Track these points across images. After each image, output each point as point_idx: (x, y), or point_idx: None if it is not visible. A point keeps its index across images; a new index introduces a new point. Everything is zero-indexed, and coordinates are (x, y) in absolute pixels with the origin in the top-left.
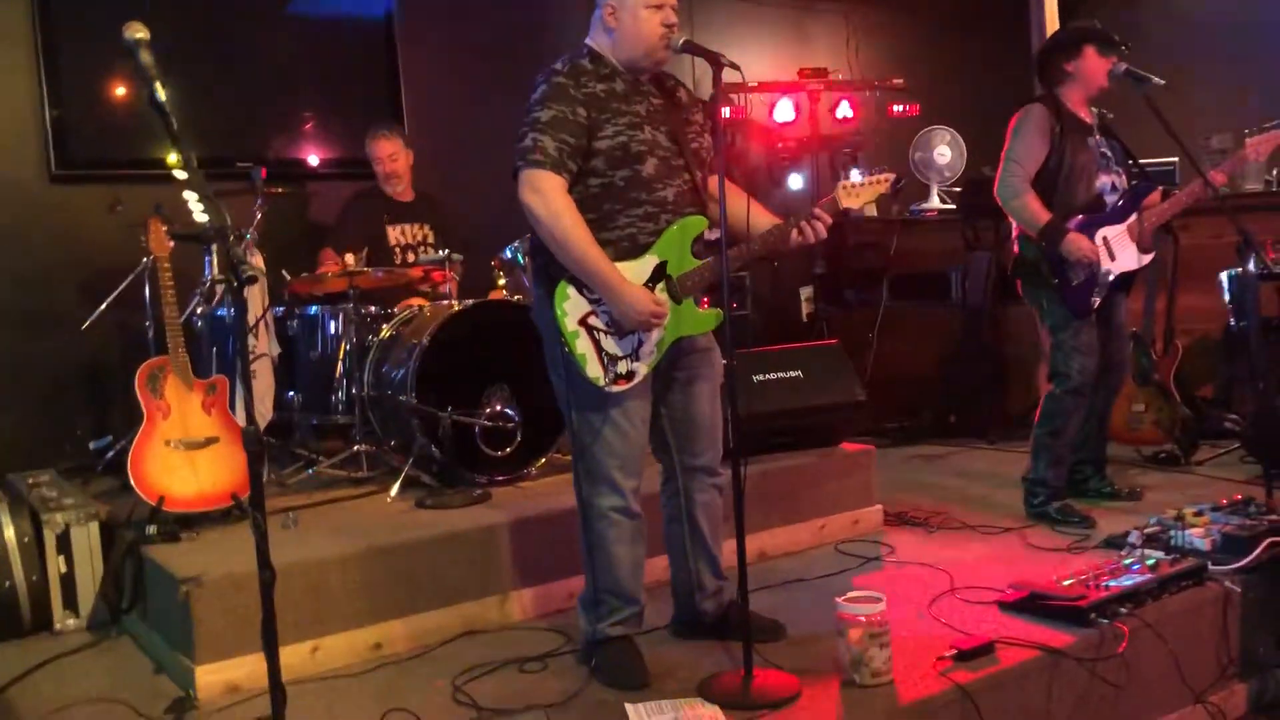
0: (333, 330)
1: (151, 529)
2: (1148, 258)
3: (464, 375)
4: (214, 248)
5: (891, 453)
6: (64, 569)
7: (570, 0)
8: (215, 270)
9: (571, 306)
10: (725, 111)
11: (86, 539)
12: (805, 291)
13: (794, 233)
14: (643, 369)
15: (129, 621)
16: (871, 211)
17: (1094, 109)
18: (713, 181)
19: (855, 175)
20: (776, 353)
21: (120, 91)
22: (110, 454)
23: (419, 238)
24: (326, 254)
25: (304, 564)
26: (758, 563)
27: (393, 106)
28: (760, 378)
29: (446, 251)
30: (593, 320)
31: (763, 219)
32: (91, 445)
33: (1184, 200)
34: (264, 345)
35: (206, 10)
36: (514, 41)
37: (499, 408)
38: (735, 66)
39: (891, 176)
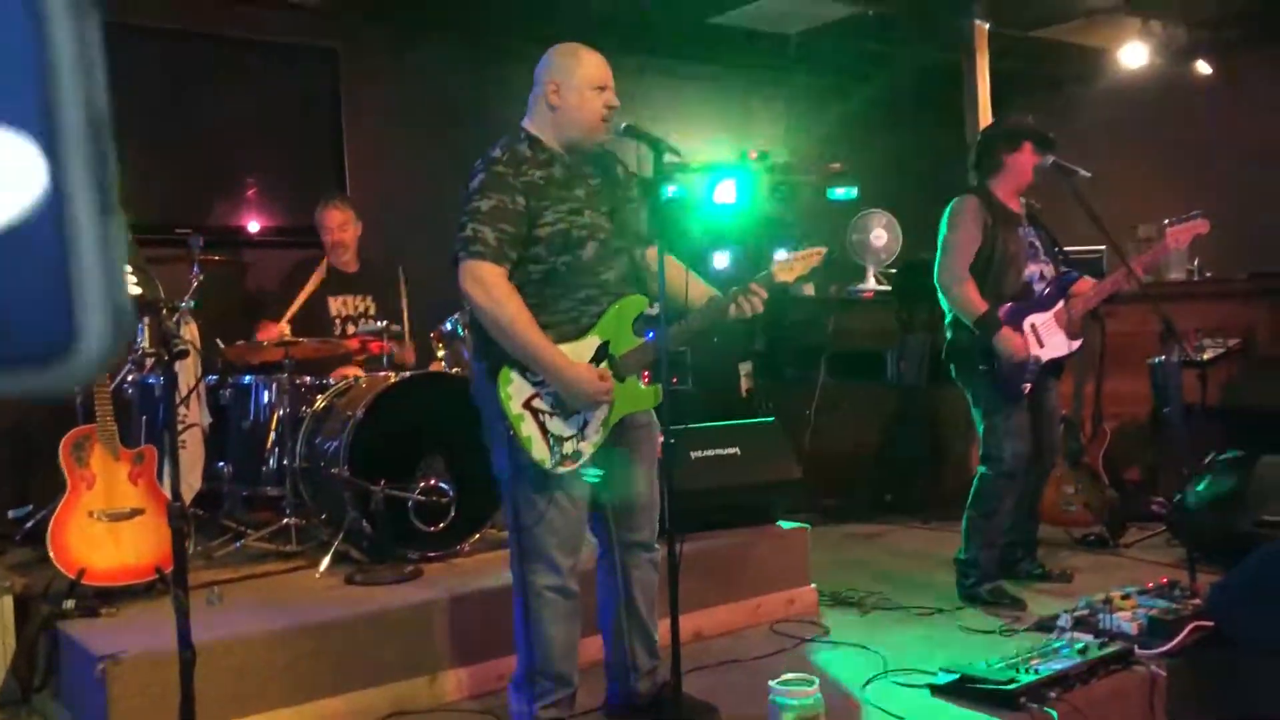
0: (266, 400)
1: (69, 603)
2: (1076, 344)
3: (398, 448)
4: (145, 318)
5: (827, 530)
6: None
7: (513, 73)
8: (147, 339)
9: (515, 390)
10: (665, 191)
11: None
12: (744, 367)
13: (731, 307)
14: (588, 448)
15: (40, 700)
16: (810, 291)
17: (1022, 199)
18: (651, 254)
19: (783, 253)
20: (715, 429)
21: None
22: (29, 524)
23: (360, 309)
24: (264, 324)
25: (228, 642)
26: (693, 642)
27: (337, 175)
28: (699, 454)
29: (385, 323)
30: (537, 403)
31: (700, 291)
32: (10, 514)
33: (1108, 288)
34: (195, 415)
35: (151, 74)
36: (459, 112)
37: (433, 481)
38: (676, 152)
39: (823, 250)
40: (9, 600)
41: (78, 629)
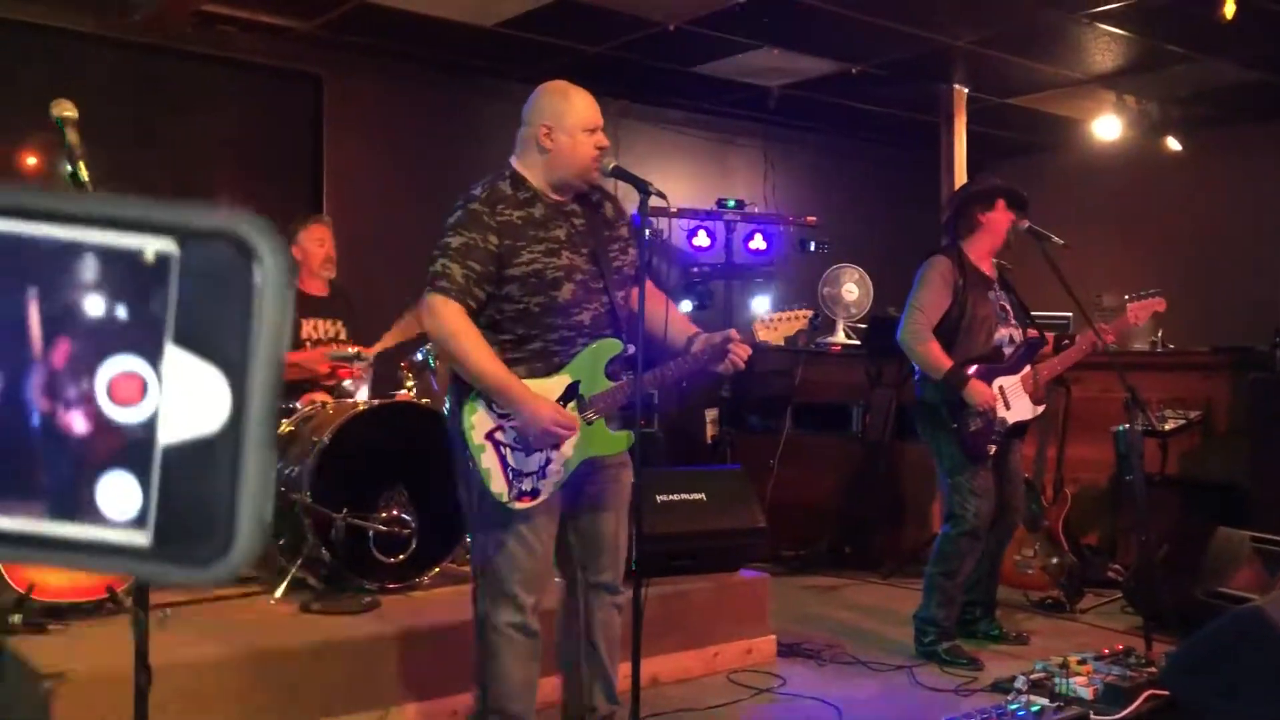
0: None
1: (16, 618)
2: (1040, 408)
3: (362, 476)
4: None
5: (786, 581)
6: None
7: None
8: None
9: (479, 420)
10: (647, 233)
11: None
12: (711, 413)
13: (724, 365)
14: (548, 487)
15: None
16: (779, 341)
17: (995, 262)
18: (635, 294)
19: (766, 312)
20: (682, 474)
21: (30, 161)
22: None
23: (331, 333)
24: None
25: (178, 665)
26: (650, 688)
27: (314, 200)
28: (664, 498)
29: (356, 350)
30: (499, 435)
31: (681, 329)
32: None
33: (1074, 356)
34: None
35: (125, 89)
36: (439, 143)
37: (395, 512)
38: (661, 195)
39: (808, 313)
40: None
41: (23, 646)
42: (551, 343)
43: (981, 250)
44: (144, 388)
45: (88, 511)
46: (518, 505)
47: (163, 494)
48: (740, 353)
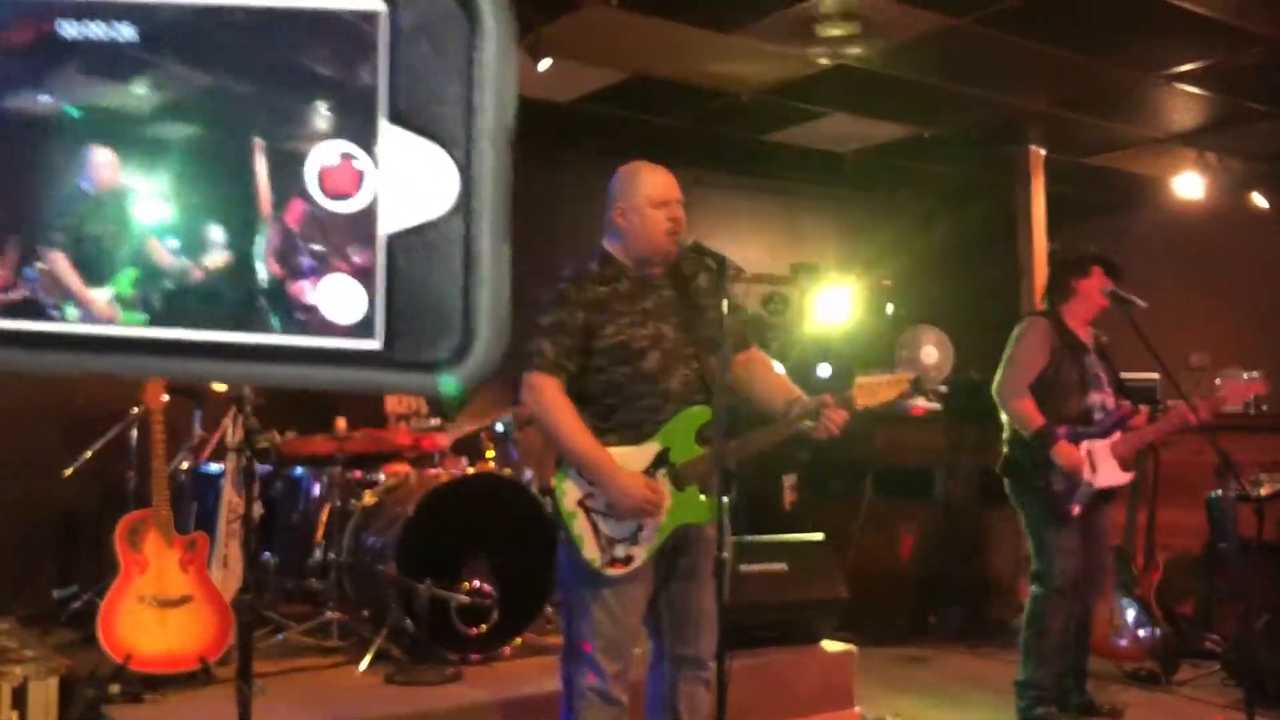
0: (316, 493)
1: (115, 688)
2: (1128, 476)
3: (444, 547)
4: (201, 405)
5: (868, 652)
6: None
7: (569, 182)
8: (200, 427)
9: (570, 486)
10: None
11: (44, 694)
12: (789, 479)
13: (819, 428)
14: (642, 554)
15: None
16: (878, 406)
17: (1093, 330)
18: (740, 359)
19: (867, 376)
20: (763, 544)
21: None
22: (76, 604)
23: (413, 406)
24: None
25: None
26: None
27: None
28: (746, 568)
29: (438, 421)
30: (589, 502)
31: (782, 393)
32: (55, 594)
33: (1165, 429)
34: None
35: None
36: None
37: (477, 583)
38: (740, 269)
39: (909, 377)
40: (54, 682)
41: (123, 715)
42: (640, 410)
43: (1078, 316)
44: (359, 176)
45: (309, 319)
46: (610, 571)
47: (390, 292)
48: (836, 419)
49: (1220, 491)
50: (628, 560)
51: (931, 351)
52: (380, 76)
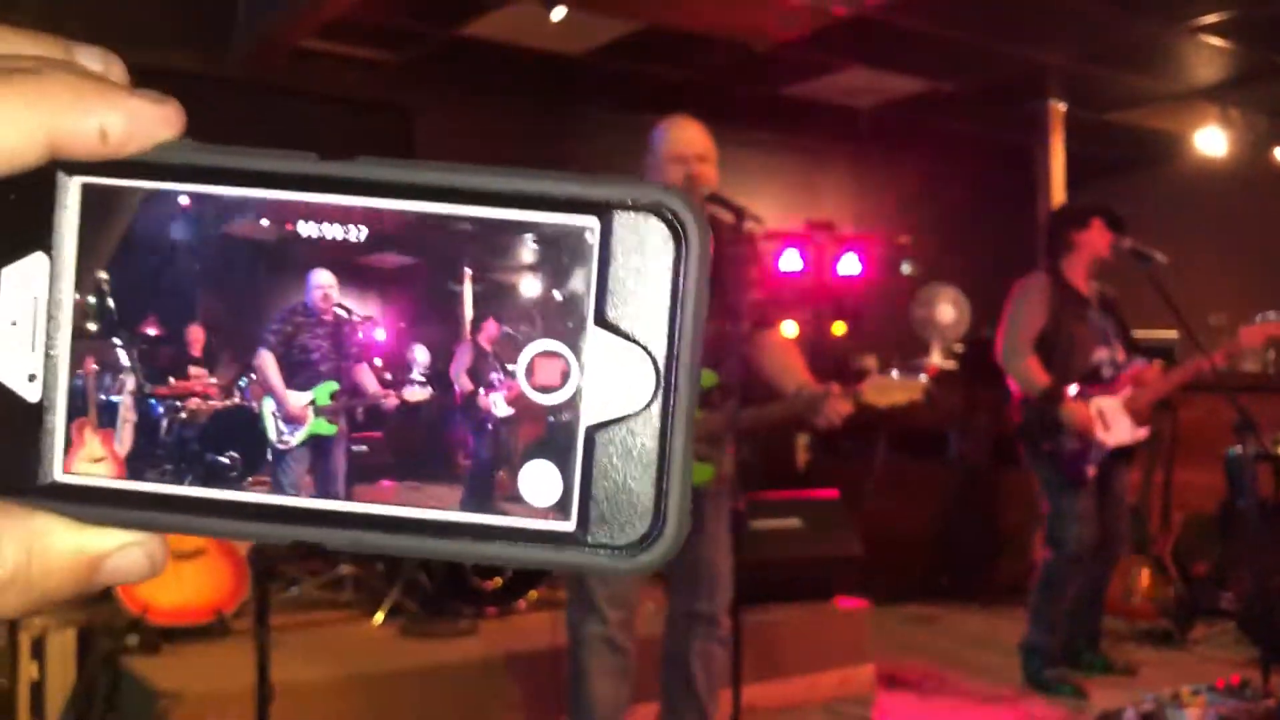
0: None
1: (132, 640)
2: (1143, 432)
3: None
4: None
5: (882, 610)
6: (36, 676)
7: (588, 139)
8: None
9: None
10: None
11: (62, 645)
12: (803, 439)
13: (820, 419)
14: None
15: None
16: (872, 364)
17: (1094, 283)
18: (758, 337)
19: (881, 377)
20: (778, 501)
21: None
22: None
23: None
24: None
25: (283, 686)
26: (747, 717)
27: None
28: (760, 525)
29: None
30: None
31: (792, 376)
32: None
33: (1180, 378)
34: None
35: (229, 128)
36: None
37: None
38: (758, 219)
39: (923, 385)
40: (71, 634)
41: (139, 666)
42: None
43: (1079, 270)
44: (565, 371)
45: (509, 498)
46: None
47: (585, 478)
48: (840, 410)
49: (1240, 449)
50: None
51: (948, 310)
52: (590, 284)
